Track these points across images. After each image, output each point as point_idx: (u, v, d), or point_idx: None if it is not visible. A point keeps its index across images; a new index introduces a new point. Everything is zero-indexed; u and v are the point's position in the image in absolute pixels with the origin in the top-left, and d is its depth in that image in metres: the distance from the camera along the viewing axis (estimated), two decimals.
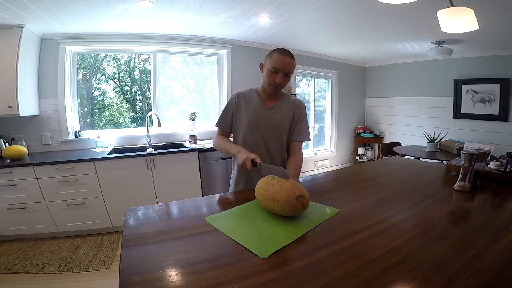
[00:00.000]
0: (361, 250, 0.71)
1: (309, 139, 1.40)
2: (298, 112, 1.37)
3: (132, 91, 3.46)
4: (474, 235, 0.78)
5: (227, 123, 1.39)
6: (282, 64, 1.22)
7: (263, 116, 1.32)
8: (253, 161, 1.11)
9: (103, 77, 3.29)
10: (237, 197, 1.16)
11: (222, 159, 2.85)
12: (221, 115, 1.42)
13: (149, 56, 3.26)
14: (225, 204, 1.09)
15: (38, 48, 2.68)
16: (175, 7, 2.29)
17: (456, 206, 1.04)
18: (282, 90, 1.38)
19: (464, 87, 3.83)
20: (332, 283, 0.58)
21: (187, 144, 3.12)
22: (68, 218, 2.42)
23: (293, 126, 1.37)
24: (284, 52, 1.24)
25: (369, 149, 5.14)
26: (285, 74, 1.25)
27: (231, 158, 1.45)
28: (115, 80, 3.36)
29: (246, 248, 0.71)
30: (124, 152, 2.72)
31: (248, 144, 1.32)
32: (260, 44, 3.62)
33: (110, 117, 3.36)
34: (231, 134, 1.42)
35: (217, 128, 1.43)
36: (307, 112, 1.43)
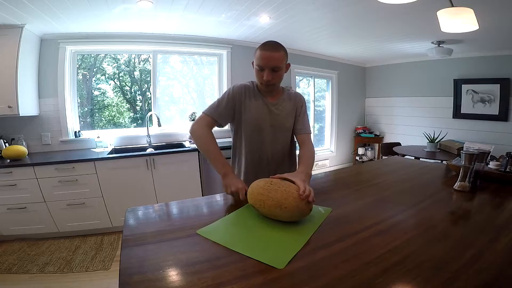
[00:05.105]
0: (361, 250, 0.70)
1: (310, 131, 1.34)
2: (299, 105, 1.33)
3: (132, 91, 3.46)
4: (474, 235, 0.78)
5: (223, 114, 1.23)
6: (264, 60, 1.13)
7: (268, 113, 1.27)
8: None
9: (103, 77, 3.29)
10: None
11: None
12: (216, 104, 1.24)
13: (149, 56, 3.26)
14: (225, 206, 1.09)
15: (38, 48, 2.68)
16: (175, 7, 2.29)
17: (456, 206, 1.04)
18: (281, 85, 1.32)
19: (464, 87, 3.83)
20: (332, 283, 0.58)
21: (187, 144, 3.12)
22: (68, 218, 2.42)
23: (296, 119, 1.32)
24: (266, 47, 1.13)
25: (369, 149, 5.14)
26: (273, 70, 1.14)
27: (230, 157, 1.40)
28: (115, 80, 3.36)
29: (259, 261, 0.66)
30: (124, 152, 2.72)
31: (251, 142, 1.29)
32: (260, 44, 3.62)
33: (110, 117, 3.36)
34: (220, 126, 1.27)
35: (202, 115, 1.23)
36: (307, 106, 1.39)
